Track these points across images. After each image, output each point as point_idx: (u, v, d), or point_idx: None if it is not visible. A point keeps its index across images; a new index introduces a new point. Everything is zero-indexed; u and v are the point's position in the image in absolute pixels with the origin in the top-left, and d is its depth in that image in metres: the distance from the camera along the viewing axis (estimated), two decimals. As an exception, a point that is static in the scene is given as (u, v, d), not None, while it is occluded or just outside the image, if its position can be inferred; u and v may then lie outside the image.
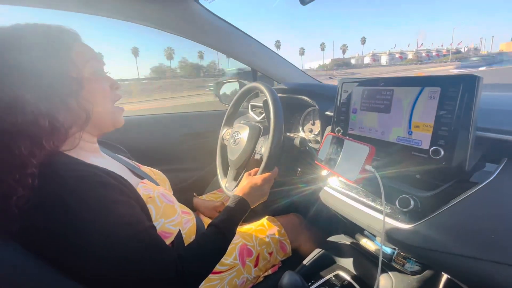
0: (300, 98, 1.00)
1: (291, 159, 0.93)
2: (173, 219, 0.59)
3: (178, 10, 0.96)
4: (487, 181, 0.45)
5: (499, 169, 0.46)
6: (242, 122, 0.99)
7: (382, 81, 0.63)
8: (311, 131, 1.07)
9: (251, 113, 1.37)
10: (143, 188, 0.57)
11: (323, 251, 0.81)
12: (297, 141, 0.86)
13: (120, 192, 0.47)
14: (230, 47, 1.14)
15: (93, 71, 0.54)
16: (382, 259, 0.71)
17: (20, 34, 0.47)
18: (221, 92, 1.55)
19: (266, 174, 0.74)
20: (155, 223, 0.54)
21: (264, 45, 1.19)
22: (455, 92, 0.48)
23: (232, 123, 1.08)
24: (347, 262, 0.77)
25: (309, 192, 0.86)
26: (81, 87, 0.50)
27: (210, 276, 0.71)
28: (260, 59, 1.21)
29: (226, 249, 0.62)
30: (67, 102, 0.48)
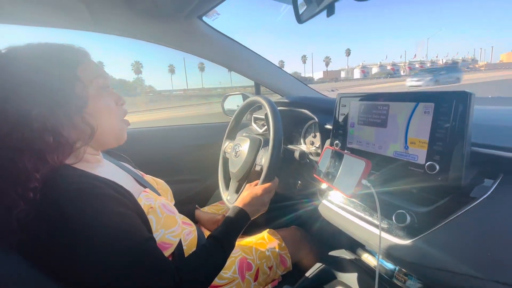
0: (301, 111, 1.01)
1: (291, 172, 0.94)
2: (173, 230, 0.60)
3: (183, 28, 1.01)
4: (483, 197, 0.45)
5: (495, 185, 0.45)
6: (244, 134, 1.01)
7: (379, 96, 0.64)
8: (312, 143, 1.08)
9: (254, 125, 1.39)
10: (145, 198, 0.58)
11: (323, 266, 0.80)
12: (296, 154, 0.86)
13: (120, 204, 0.48)
14: (233, 62, 1.18)
15: (98, 87, 0.56)
16: (383, 276, 0.70)
17: (29, 53, 0.50)
18: (225, 105, 1.59)
19: (267, 185, 0.75)
20: (155, 234, 0.55)
21: (266, 59, 1.22)
22: (449, 108, 0.48)
23: (234, 136, 1.09)
24: (348, 278, 0.75)
25: (310, 205, 0.86)
26: (85, 104, 0.52)
27: (209, 289, 0.70)
28: (262, 73, 1.24)
29: (225, 262, 0.62)
30: (72, 118, 0.50)
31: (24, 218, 0.41)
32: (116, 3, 0.81)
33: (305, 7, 0.59)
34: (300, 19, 0.63)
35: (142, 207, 0.54)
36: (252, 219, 0.70)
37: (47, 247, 0.42)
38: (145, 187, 0.65)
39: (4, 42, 0.50)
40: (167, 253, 0.57)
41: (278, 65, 1.28)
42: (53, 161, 0.46)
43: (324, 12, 0.54)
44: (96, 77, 0.56)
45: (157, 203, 0.59)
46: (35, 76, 0.47)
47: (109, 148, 0.62)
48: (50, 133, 0.46)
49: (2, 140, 0.43)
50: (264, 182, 0.75)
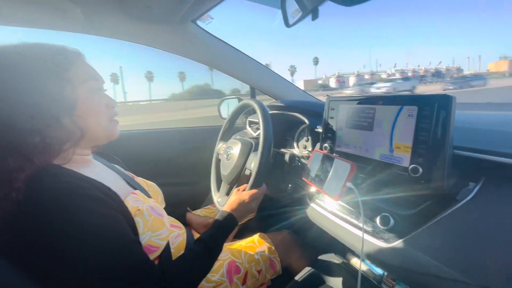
0: (294, 115, 1.02)
1: (282, 175, 0.93)
2: (160, 233, 0.59)
3: (177, 31, 1.02)
4: (464, 201, 0.45)
5: (477, 188, 0.45)
6: (237, 137, 1.01)
7: (365, 99, 0.64)
8: (305, 147, 1.08)
9: (248, 129, 1.39)
10: (133, 200, 0.57)
11: (312, 270, 0.79)
12: (286, 157, 0.86)
13: (105, 205, 0.48)
14: (227, 66, 1.19)
15: (90, 90, 0.56)
16: (371, 281, 0.69)
17: (20, 53, 0.50)
18: (222, 108, 1.60)
19: (254, 191, 0.75)
20: (142, 236, 0.54)
21: (261, 63, 1.23)
22: (431, 111, 0.49)
23: (228, 138, 1.10)
24: (336, 282, 0.75)
25: (301, 209, 0.86)
26: (74, 106, 0.52)
27: (196, 293, 0.70)
28: (256, 77, 1.24)
29: (212, 265, 0.61)
30: (60, 120, 0.50)
31: (8, 218, 0.40)
32: (110, 5, 0.82)
33: (292, 11, 0.60)
34: (287, 23, 0.64)
35: (129, 209, 0.54)
36: (240, 223, 0.70)
37: (29, 247, 0.42)
38: (135, 189, 0.64)
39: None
40: (153, 255, 0.56)
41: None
42: (39, 162, 0.45)
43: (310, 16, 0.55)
44: (88, 79, 0.56)
45: (145, 206, 0.58)
46: (25, 76, 0.47)
47: (100, 144, 0.62)
48: (37, 134, 0.46)
49: None
50: (251, 188, 0.76)
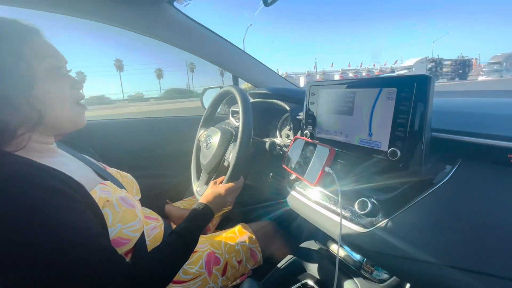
0: (275, 103, 0.99)
1: (263, 164, 0.91)
2: (132, 225, 0.56)
3: (153, 13, 0.96)
4: (440, 183, 0.44)
5: (453, 170, 0.45)
6: (218, 126, 0.97)
7: (346, 83, 0.62)
8: (287, 136, 1.06)
9: (231, 118, 1.36)
10: (101, 190, 0.54)
11: (293, 258, 0.78)
12: (267, 145, 0.84)
13: (65, 196, 0.44)
14: (206, 51, 1.14)
15: (49, 69, 0.51)
16: (351, 267, 0.69)
17: None
18: (204, 98, 1.55)
19: (230, 185, 0.73)
20: (111, 228, 0.51)
21: (242, 50, 1.19)
22: (410, 92, 0.47)
23: (209, 125, 1.06)
24: (316, 269, 0.74)
25: (282, 199, 0.84)
26: (31, 85, 0.47)
27: (172, 285, 0.67)
28: (237, 63, 1.20)
29: (187, 258, 0.59)
30: (14, 101, 0.45)
31: None
32: None
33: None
34: (266, 1, 0.60)
35: (97, 200, 0.50)
36: (216, 215, 0.69)
37: None
38: (105, 179, 0.60)
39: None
40: (125, 248, 0.53)
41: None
42: None
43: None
44: (47, 57, 0.51)
45: (115, 196, 0.55)
46: None
47: (66, 133, 0.57)
48: None
49: None
50: (228, 181, 0.74)
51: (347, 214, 0.53)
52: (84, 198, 0.48)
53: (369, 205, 0.49)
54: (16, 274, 0.38)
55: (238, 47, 1.17)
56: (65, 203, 0.43)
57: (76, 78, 0.56)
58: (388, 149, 0.50)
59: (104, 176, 0.62)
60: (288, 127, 1.07)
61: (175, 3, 0.98)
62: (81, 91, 0.58)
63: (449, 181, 0.44)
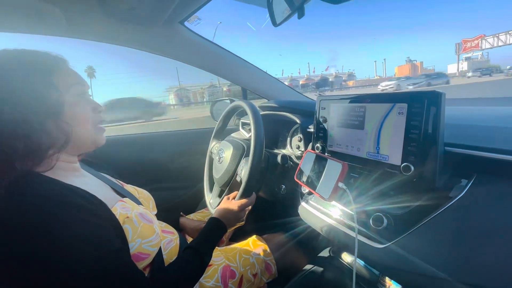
0: (285, 115, 1.01)
1: (275, 177, 0.92)
2: (150, 240, 0.58)
3: (164, 33, 1.00)
4: (456, 198, 0.44)
5: (469, 185, 0.45)
6: (230, 138, 1.00)
7: (356, 98, 0.63)
8: (298, 147, 1.07)
9: (241, 130, 1.38)
10: (121, 207, 0.56)
11: (309, 272, 0.78)
12: (279, 158, 0.85)
13: (90, 214, 0.47)
14: (217, 67, 1.17)
15: (75, 95, 0.55)
16: (368, 280, 0.69)
17: (4, 59, 0.49)
18: (214, 110, 1.58)
19: (243, 201, 0.75)
20: (131, 244, 0.53)
21: (251, 64, 1.22)
22: (421, 108, 0.48)
23: (221, 137, 1.09)
24: (332, 283, 0.74)
25: (295, 210, 0.85)
26: (61, 111, 0.52)
27: (190, 299, 0.69)
28: (247, 78, 1.23)
29: (203, 272, 0.61)
30: (45, 125, 0.49)
31: None
32: (92, 8, 0.79)
33: (279, 10, 0.59)
34: (275, 22, 0.62)
35: (117, 217, 0.53)
36: (229, 230, 0.71)
37: (9, 256, 0.40)
38: (123, 196, 0.63)
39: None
40: (144, 263, 0.55)
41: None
42: (22, 168, 0.45)
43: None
44: (74, 84, 0.56)
45: (134, 213, 0.57)
46: (8, 81, 0.47)
47: (87, 151, 0.61)
48: (20, 140, 0.45)
49: None
50: (241, 197, 0.75)
51: (362, 229, 0.53)
52: (107, 215, 0.51)
53: (385, 220, 0.49)
54: (42, 286, 0.41)
55: (247, 61, 1.20)
56: (90, 219, 0.46)
57: (97, 102, 0.60)
58: (401, 163, 0.51)
59: (122, 193, 0.65)
60: (298, 138, 1.08)
61: (185, 23, 1.03)
62: (101, 114, 0.62)
63: (465, 196, 0.44)
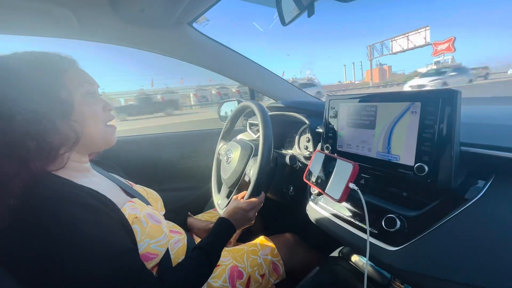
0: (294, 116, 1.00)
1: (284, 177, 0.92)
2: (159, 240, 0.58)
3: (173, 34, 1.01)
4: (474, 200, 0.42)
5: (487, 186, 0.43)
6: (238, 139, 1.00)
7: (367, 97, 0.62)
8: (306, 147, 1.06)
9: (249, 131, 1.38)
10: (130, 208, 0.57)
11: (317, 273, 0.77)
12: (287, 159, 0.85)
13: (101, 214, 0.47)
14: (225, 68, 1.18)
15: (85, 94, 0.56)
16: (379, 283, 0.67)
17: (15, 61, 0.50)
18: (221, 111, 1.59)
19: (252, 200, 0.75)
20: (140, 244, 0.53)
21: (259, 64, 1.22)
22: (435, 107, 0.47)
23: (229, 138, 1.09)
24: (343, 286, 0.72)
25: (303, 210, 0.84)
26: (71, 110, 0.53)
27: (198, 300, 0.68)
28: (255, 78, 1.23)
29: (211, 273, 0.61)
30: (56, 124, 0.50)
31: (3, 225, 0.40)
32: (103, 10, 0.81)
33: (288, 9, 0.59)
34: (284, 21, 0.62)
35: (127, 217, 0.53)
36: (238, 230, 0.71)
37: (23, 255, 0.41)
38: (132, 196, 0.64)
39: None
40: (152, 263, 0.56)
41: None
42: (35, 167, 0.45)
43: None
44: (83, 84, 0.56)
45: (143, 213, 0.58)
46: (20, 82, 0.48)
47: (97, 151, 0.62)
48: (33, 139, 0.46)
49: None
50: (250, 197, 0.75)
51: (374, 231, 0.52)
52: (118, 215, 0.51)
53: (398, 222, 0.48)
54: (52, 285, 0.42)
55: (255, 62, 1.20)
56: (102, 220, 0.47)
57: (107, 101, 0.61)
58: (415, 164, 0.49)
59: (131, 193, 0.65)
60: (306, 138, 1.08)
61: (194, 24, 1.03)
62: (111, 112, 0.63)
63: (483, 197, 0.42)
